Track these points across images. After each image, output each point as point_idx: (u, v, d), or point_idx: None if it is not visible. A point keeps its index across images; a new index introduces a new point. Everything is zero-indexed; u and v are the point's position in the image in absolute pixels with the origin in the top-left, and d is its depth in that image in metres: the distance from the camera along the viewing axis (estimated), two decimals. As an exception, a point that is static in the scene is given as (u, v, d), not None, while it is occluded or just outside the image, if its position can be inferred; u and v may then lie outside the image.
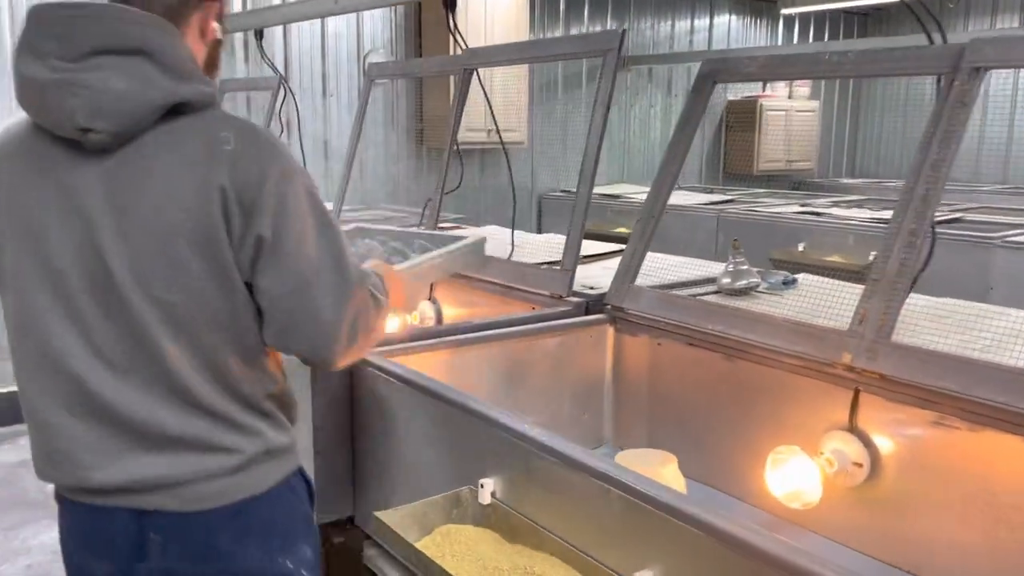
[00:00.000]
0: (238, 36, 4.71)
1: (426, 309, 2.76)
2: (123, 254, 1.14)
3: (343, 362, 1.26)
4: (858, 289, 1.69)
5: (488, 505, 1.41)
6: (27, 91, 1.15)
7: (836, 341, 1.64)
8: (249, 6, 4.68)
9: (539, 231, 5.92)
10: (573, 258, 2.20)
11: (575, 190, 2.34)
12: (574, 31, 6.30)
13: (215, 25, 1.26)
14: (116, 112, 1.12)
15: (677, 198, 4.79)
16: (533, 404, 2.03)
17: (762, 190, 6.36)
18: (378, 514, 1.41)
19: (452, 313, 2.70)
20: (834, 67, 1.97)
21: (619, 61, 2.22)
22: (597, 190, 6.61)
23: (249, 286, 1.18)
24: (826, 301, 1.80)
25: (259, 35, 3.97)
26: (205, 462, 1.20)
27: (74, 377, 1.18)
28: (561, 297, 2.20)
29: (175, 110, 1.15)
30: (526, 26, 5.60)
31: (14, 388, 1.27)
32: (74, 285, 1.17)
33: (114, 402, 1.18)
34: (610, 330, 2.14)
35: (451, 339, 1.94)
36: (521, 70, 5.51)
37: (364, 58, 5.19)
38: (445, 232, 2.57)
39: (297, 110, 4.17)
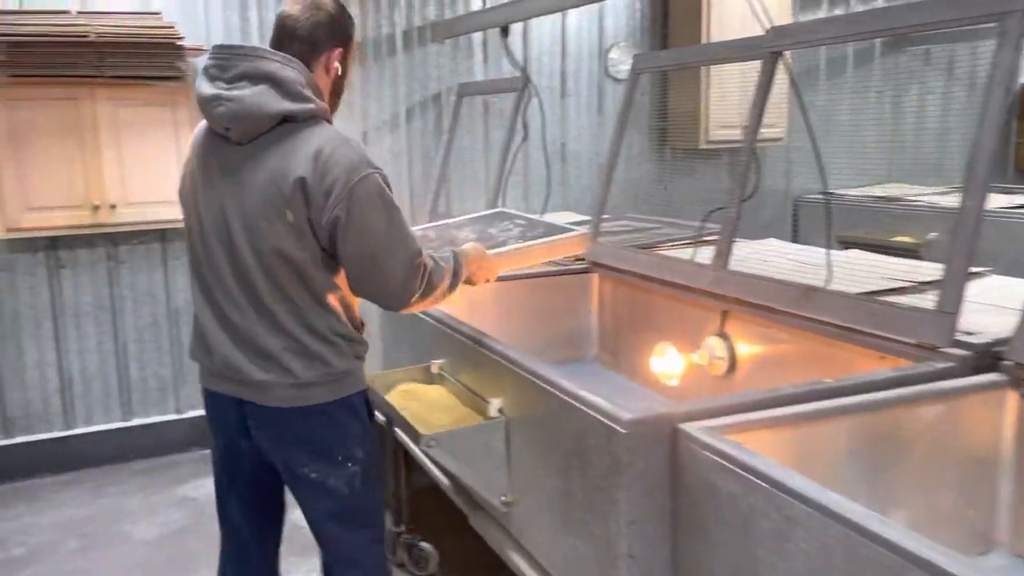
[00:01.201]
0: (476, 37, 4.46)
1: (715, 347, 2.29)
2: (238, 216, 1.68)
3: (405, 309, 1.80)
4: None
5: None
6: (200, 102, 1.72)
7: None
8: (488, 2, 4.42)
9: (794, 239, 5.24)
10: (956, 295, 1.63)
11: (830, 191, 1.76)
12: (838, 11, 5.54)
13: (336, 64, 1.79)
14: (244, 118, 1.66)
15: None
16: (903, 495, 1.49)
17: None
18: None
19: (748, 353, 2.21)
20: None
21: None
22: (863, 191, 5.73)
23: (329, 251, 1.70)
24: None
25: (505, 32, 3.66)
26: (278, 375, 1.72)
27: (216, 302, 1.76)
28: (935, 348, 1.64)
29: (286, 120, 1.67)
30: (788, 11, 4.95)
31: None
32: (211, 236, 1.73)
33: (232, 318, 1.74)
34: (1012, 396, 1.56)
35: (796, 411, 1.45)
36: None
37: (606, 53, 4.79)
38: (563, 224, 2.63)
39: (542, 111, 3.83)
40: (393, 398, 2.23)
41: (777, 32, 2.39)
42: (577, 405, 1.62)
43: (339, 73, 1.81)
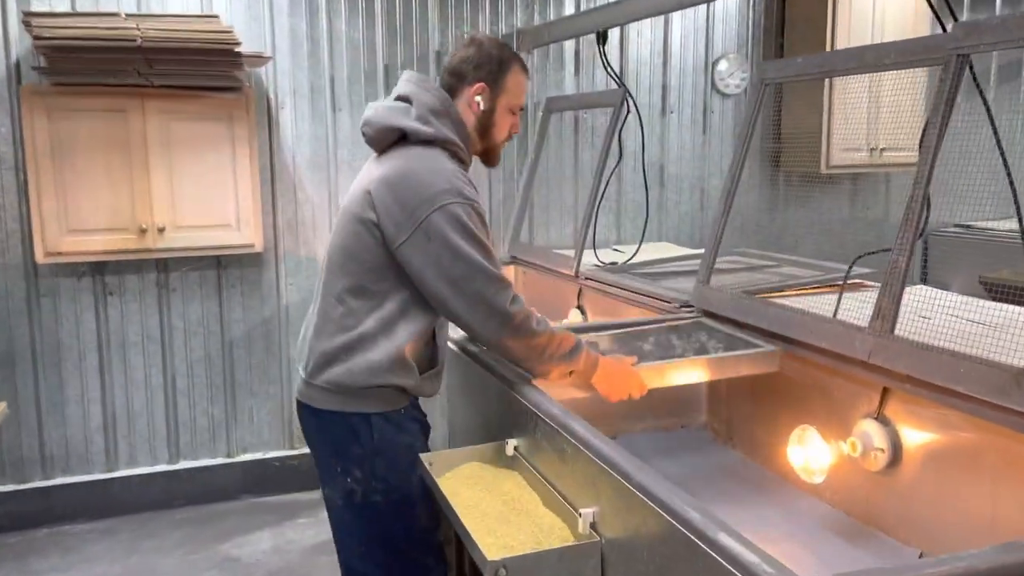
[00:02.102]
0: (567, 45, 4.00)
1: (872, 434, 1.75)
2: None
3: (499, 349, 1.83)
4: None
5: None
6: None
7: None
8: (583, 5, 3.95)
9: (924, 280, 4.57)
10: None
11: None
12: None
13: (477, 99, 1.88)
14: (369, 126, 1.86)
15: None
16: None
17: None
18: None
19: (918, 444, 1.67)
20: None
21: None
22: (1004, 223, 4.96)
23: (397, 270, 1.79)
24: None
25: (602, 38, 3.18)
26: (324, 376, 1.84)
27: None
28: None
29: (406, 137, 1.82)
30: (926, 16, 4.32)
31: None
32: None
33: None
34: None
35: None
36: (915, 72, 4.25)
37: (713, 65, 4.26)
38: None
39: (641, 129, 3.33)
40: (454, 486, 1.76)
41: (965, 30, 1.84)
42: (714, 556, 1.11)
43: (481, 108, 1.87)
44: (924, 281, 4.95)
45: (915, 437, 1.79)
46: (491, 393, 1.94)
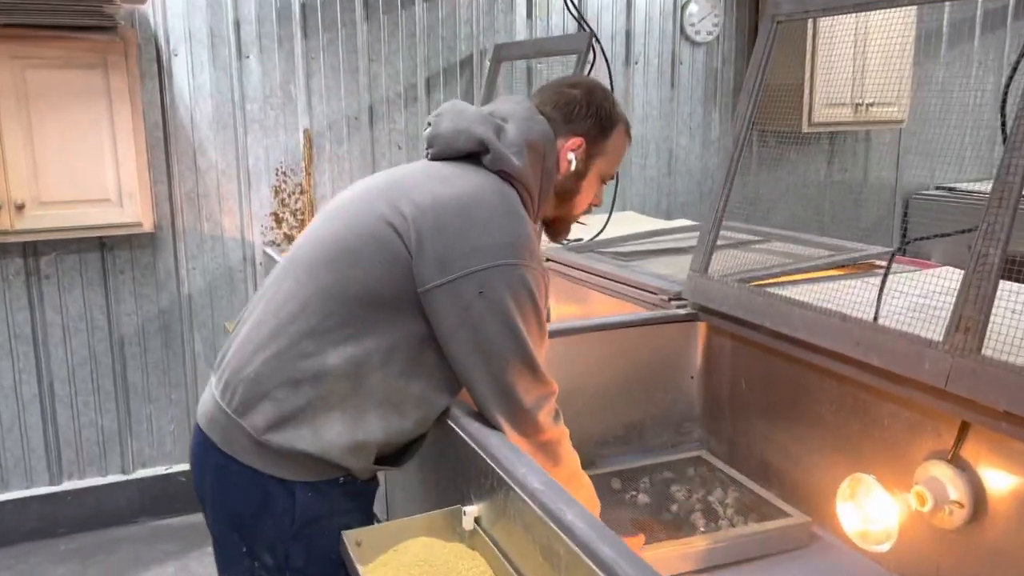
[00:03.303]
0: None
1: (946, 482, 1.28)
2: None
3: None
4: None
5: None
6: None
7: None
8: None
9: (903, 250, 4.20)
10: None
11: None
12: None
13: (570, 156, 1.44)
14: (450, 128, 1.41)
15: None
16: None
17: None
18: None
19: (1006, 494, 1.21)
20: None
21: None
22: (983, 187, 4.61)
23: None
24: None
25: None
26: None
27: None
28: None
29: (478, 159, 1.38)
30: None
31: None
32: None
33: None
34: None
35: None
36: (907, 17, 3.82)
37: (682, 8, 3.75)
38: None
39: (611, 80, 2.81)
40: (393, 571, 1.25)
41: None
42: None
43: (572, 168, 1.45)
44: (903, 252, 4.61)
45: (1003, 485, 1.35)
46: (447, 440, 1.42)
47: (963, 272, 1.38)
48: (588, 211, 1.55)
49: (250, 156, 3.08)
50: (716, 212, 1.99)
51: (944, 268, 2.21)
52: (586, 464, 1.95)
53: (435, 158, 1.42)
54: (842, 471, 1.64)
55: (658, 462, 1.91)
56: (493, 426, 1.34)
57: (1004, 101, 1.50)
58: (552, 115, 1.43)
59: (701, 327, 2.03)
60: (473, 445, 1.29)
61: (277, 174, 3.12)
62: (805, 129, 3.74)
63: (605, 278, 2.38)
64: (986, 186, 4.44)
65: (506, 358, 1.28)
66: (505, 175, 1.36)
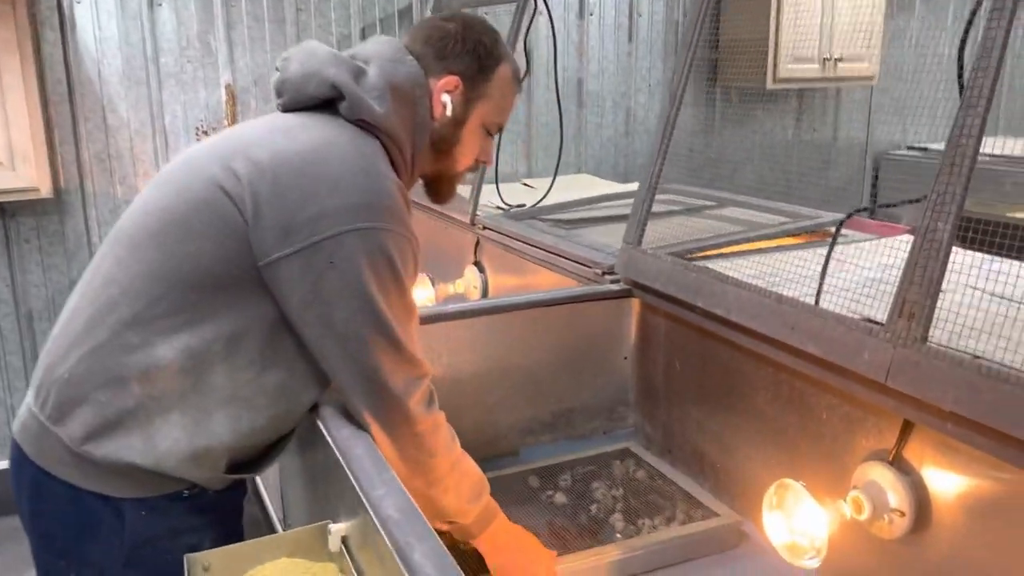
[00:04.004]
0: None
1: (886, 487, 1.12)
2: None
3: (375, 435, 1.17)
4: None
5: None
6: None
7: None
8: None
9: (872, 213, 4.03)
10: None
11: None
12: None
13: (445, 99, 1.24)
14: (299, 72, 1.21)
15: None
16: None
17: None
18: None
19: (952, 501, 1.05)
20: None
21: None
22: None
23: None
24: None
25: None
26: None
27: None
28: None
29: (335, 108, 1.18)
30: None
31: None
32: None
33: None
34: None
35: None
36: (878, -35, 3.59)
37: (641, -44, 3.51)
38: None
39: (554, 34, 2.60)
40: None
41: None
42: None
43: (448, 113, 1.25)
44: (871, 215, 4.44)
45: (949, 491, 1.19)
46: (319, 443, 1.24)
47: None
48: (475, 168, 1.36)
49: (166, 114, 2.85)
50: (650, 177, 1.80)
51: (905, 236, 2.05)
52: (508, 456, 1.79)
53: (286, 109, 1.21)
54: (777, 466, 1.48)
55: (583, 456, 1.75)
56: (359, 423, 1.16)
57: (961, 54, 1.31)
58: (423, 52, 1.23)
59: (634, 304, 1.86)
60: (337, 453, 1.11)
61: (197, 133, 2.89)
62: (770, 85, 3.54)
63: (540, 248, 2.20)
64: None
65: (365, 338, 1.09)
66: (366, 125, 1.16)
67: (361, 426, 1.17)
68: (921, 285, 1.16)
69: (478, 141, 1.30)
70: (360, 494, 1.00)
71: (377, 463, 1.05)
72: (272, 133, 1.13)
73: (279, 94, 1.22)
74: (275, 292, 1.08)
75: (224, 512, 1.21)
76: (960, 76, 1.32)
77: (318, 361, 1.13)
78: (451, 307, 1.72)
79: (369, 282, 1.07)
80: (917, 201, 1.53)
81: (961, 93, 1.31)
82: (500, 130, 1.35)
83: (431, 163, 1.28)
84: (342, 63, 1.17)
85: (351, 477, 1.04)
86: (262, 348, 1.11)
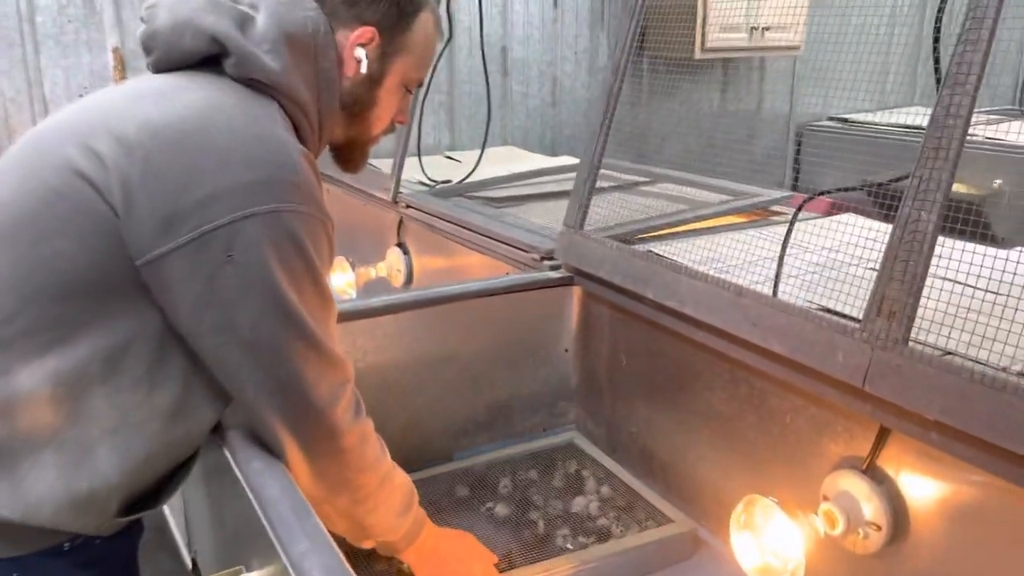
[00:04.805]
0: None
1: (861, 499, 1.02)
2: None
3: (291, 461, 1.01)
4: None
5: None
6: None
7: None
8: None
9: (794, 186, 4.00)
10: None
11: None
12: None
13: (359, 53, 1.05)
14: (168, 23, 1.00)
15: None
16: None
17: None
18: None
19: (931, 511, 0.96)
20: None
21: None
22: (880, 117, 4.43)
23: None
24: None
25: None
26: None
27: None
28: None
29: (220, 65, 0.98)
30: None
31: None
32: None
33: None
34: None
35: None
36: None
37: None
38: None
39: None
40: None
41: None
42: None
43: (361, 70, 1.05)
44: (794, 188, 4.42)
45: (927, 502, 1.10)
46: (222, 476, 1.06)
47: (883, 228, 1.10)
48: (391, 130, 1.18)
49: (45, 80, 2.54)
50: (593, 156, 1.66)
51: (844, 216, 1.97)
52: (441, 460, 1.64)
53: (158, 69, 1.00)
54: (736, 472, 1.38)
55: (523, 456, 1.61)
56: (269, 441, 0.99)
57: (937, 33, 1.20)
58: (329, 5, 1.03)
59: (576, 292, 1.72)
60: (249, 493, 0.94)
61: (83, 103, 2.60)
62: (698, 55, 3.44)
63: (470, 230, 2.04)
64: (881, 117, 4.21)
65: (279, 344, 0.92)
66: (258, 85, 0.97)
67: (272, 450, 1.00)
68: (903, 282, 1.05)
69: (396, 101, 1.12)
70: (278, 548, 0.84)
71: (297, 508, 0.89)
72: (140, 100, 0.93)
73: (147, 51, 1.01)
74: (160, 296, 0.90)
75: (115, 562, 1.03)
76: (936, 50, 1.22)
77: (218, 374, 0.95)
78: (375, 301, 1.54)
79: (277, 276, 0.89)
80: (899, 180, 1.43)
81: (937, 67, 1.21)
82: (420, 86, 1.18)
83: (343, 128, 1.10)
84: (222, 9, 0.97)
85: (267, 527, 0.87)
86: (149, 364, 0.93)
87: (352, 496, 1.04)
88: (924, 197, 1.04)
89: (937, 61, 1.18)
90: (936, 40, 1.18)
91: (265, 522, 0.87)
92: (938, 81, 1.14)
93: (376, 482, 1.06)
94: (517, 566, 1.28)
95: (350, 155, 1.15)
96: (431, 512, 1.42)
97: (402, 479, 1.13)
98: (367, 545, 1.14)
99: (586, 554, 1.31)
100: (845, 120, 4.24)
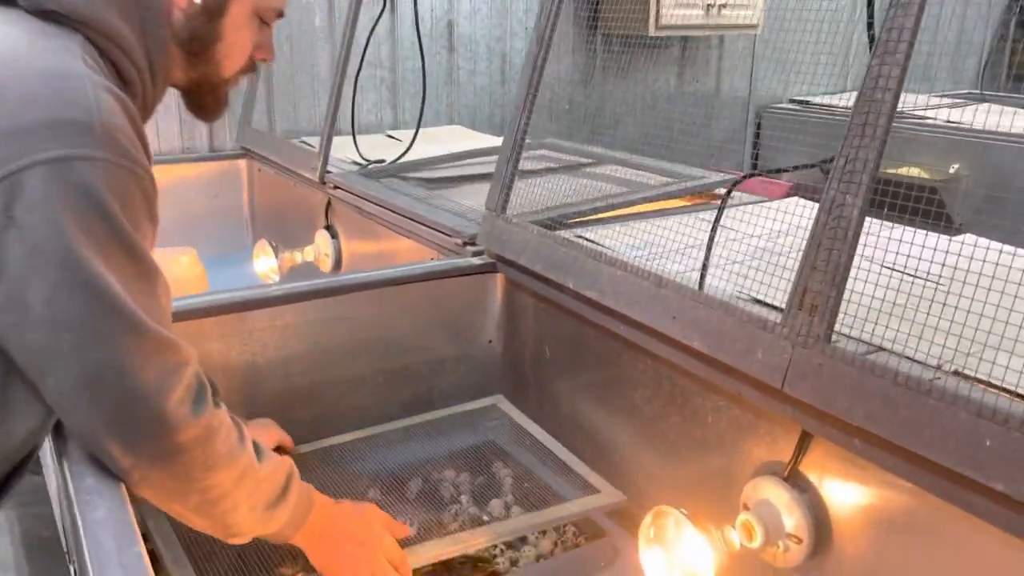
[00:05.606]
0: None
1: (781, 508, 0.91)
2: None
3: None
4: None
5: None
6: None
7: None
8: None
9: (754, 165, 3.90)
10: None
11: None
12: None
13: None
14: None
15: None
16: None
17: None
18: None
19: (856, 520, 0.87)
20: None
21: None
22: (832, 99, 4.32)
23: None
24: None
25: None
26: None
27: None
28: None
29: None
30: None
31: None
32: None
33: None
34: None
35: None
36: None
37: None
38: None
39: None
40: None
41: None
42: None
43: (196, 2, 0.91)
44: (756, 161, 4.33)
45: (851, 512, 1.01)
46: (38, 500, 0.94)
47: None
48: (252, 69, 1.03)
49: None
50: (515, 135, 1.55)
51: (795, 199, 1.88)
52: (355, 460, 1.53)
53: None
54: (657, 475, 1.28)
55: (441, 458, 1.51)
56: (94, 449, 0.85)
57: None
58: None
59: (499, 280, 1.61)
60: (76, 511, 0.82)
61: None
62: (652, 33, 3.33)
63: (396, 213, 1.92)
64: (843, 100, 4.08)
65: (84, 321, 0.78)
66: (57, 16, 0.84)
67: (98, 459, 0.86)
68: (825, 272, 0.95)
69: (249, 34, 0.99)
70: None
71: (121, 533, 0.77)
72: None
73: None
74: None
75: None
76: (870, 20, 1.12)
77: (20, 364, 0.81)
78: (275, 290, 1.43)
79: (72, 238, 0.76)
80: (814, 166, 1.34)
81: (871, 42, 1.11)
82: (281, 16, 1.03)
83: (184, 68, 0.96)
84: None
85: (85, 554, 0.75)
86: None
87: (203, 497, 0.90)
88: (850, 179, 0.94)
89: (871, 27, 1.08)
90: (870, 3, 1.08)
91: (85, 550, 0.75)
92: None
93: (232, 480, 0.92)
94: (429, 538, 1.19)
95: (200, 100, 1.01)
96: (337, 483, 1.32)
97: (269, 470, 0.98)
98: (239, 542, 1.01)
99: (501, 526, 1.22)
100: (806, 102, 4.16)
